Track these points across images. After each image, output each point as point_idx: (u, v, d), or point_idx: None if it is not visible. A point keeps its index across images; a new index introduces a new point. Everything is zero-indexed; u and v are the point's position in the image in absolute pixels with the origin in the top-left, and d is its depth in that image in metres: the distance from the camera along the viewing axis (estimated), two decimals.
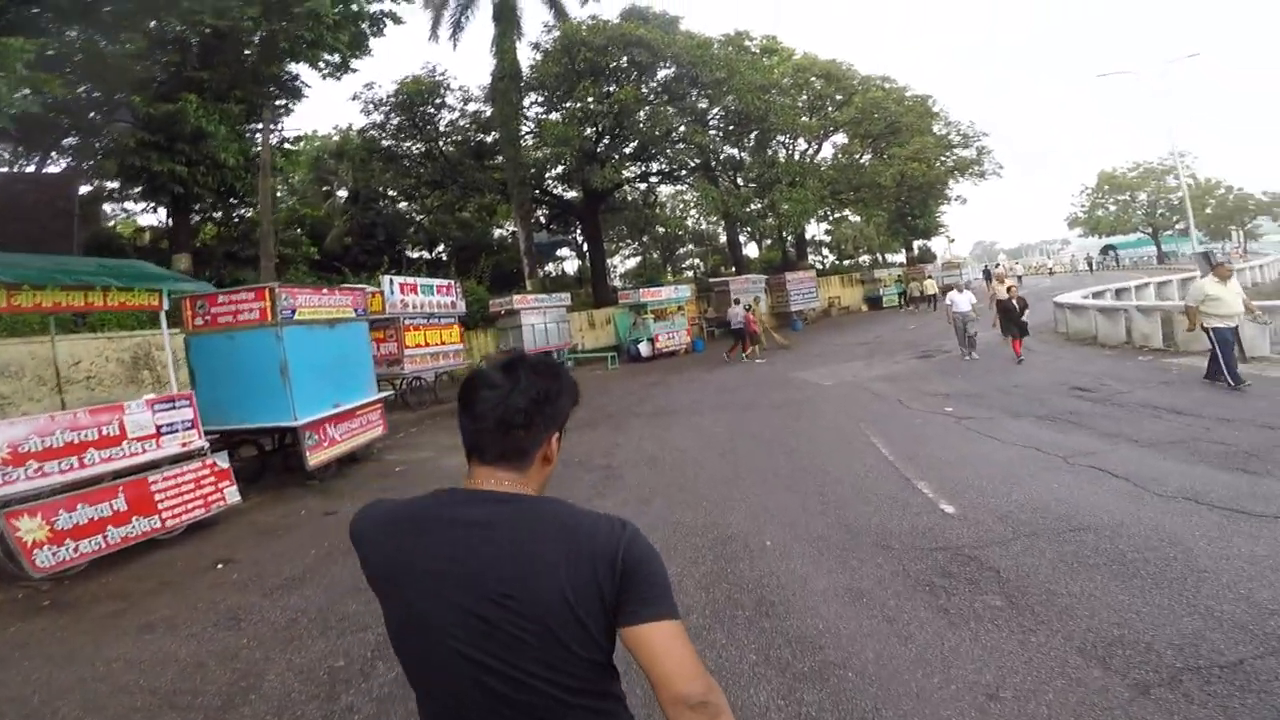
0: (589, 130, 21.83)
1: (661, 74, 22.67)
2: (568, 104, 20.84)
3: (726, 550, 4.83)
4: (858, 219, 46.23)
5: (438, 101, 24.13)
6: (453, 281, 15.61)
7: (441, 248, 34.15)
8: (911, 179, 32.32)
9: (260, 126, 15.07)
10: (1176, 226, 49.93)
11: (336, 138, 26.41)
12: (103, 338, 11.09)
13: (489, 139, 25.72)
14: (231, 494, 7.18)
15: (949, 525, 4.74)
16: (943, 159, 36.39)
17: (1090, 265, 50.99)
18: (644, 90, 21.63)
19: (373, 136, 24.53)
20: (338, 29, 13.64)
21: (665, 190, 33.79)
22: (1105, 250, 56.68)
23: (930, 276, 31.97)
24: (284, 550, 5.93)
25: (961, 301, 13.18)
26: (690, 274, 41.13)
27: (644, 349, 20.18)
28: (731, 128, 24.83)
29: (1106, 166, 54.78)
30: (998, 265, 50.30)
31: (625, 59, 21.43)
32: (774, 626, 3.65)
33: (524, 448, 1.15)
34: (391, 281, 13.40)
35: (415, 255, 32.77)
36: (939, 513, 5.02)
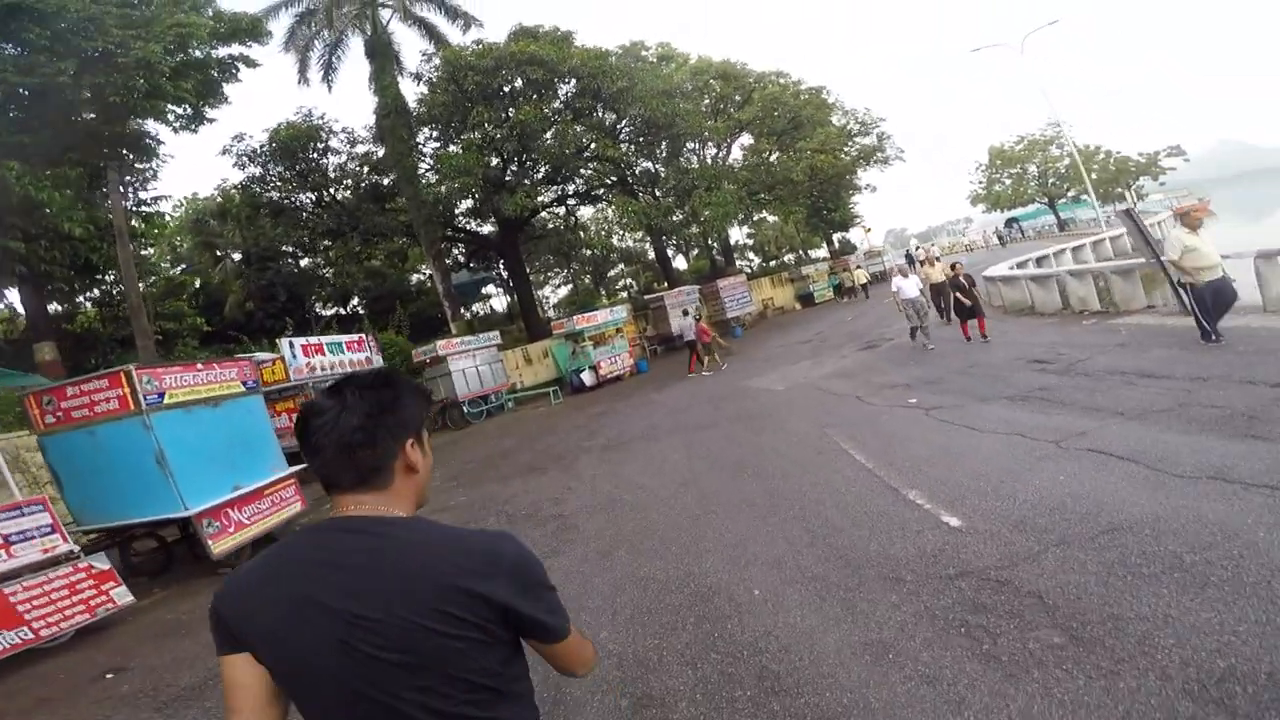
0: (492, 158, 20.93)
1: (562, 91, 22.11)
2: (464, 135, 19.87)
3: (709, 608, 4.04)
4: (775, 219, 47.26)
5: (320, 146, 22.75)
6: (364, 335, 14.29)
7: (356, 301, 32.39)
8: (822, 171, 32.95)
9: (127, 192, 13.45)
10: (1069, 194, 53.18)
11: (218, 198, 24.48)
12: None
13: (385, 181, 24.51)
14: (120, 594, 6.42)
15: (961, 542, 4.06)
16: (846, 149, 37.41)
17: (1001, 239, 53.52)
18: (545, 110, 20.91)
19: (254, 191, 22.81)
20: (178, 76, 12.26)
21: (586, 212, 33.22)
22: (1009, 223, 59.53)
23: (859, 266, 32.48)
24: (184, 653, 5.25)
25: (909, 287, 12.51)
26: (625, 294, 40.64)
27: (587, 378, 19.25)
28: (641, 138, 24.51)
29: (995, 142, 57.84)
30: (918, 249, 52.26)
31: (520, 80, 20.76)
32: (786, 708, 2.89)
33: (375, 466, 1.09)
34: (292, 344, 12.03)
35: (328, 312, 30.92)
36: (944, 528, 4.34)
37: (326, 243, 26.34)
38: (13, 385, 6.65)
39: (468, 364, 17.71)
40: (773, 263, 46.11)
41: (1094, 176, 51.80)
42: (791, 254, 49.17)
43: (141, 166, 14.52)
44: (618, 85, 21.37)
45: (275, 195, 23.67)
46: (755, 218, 41.07)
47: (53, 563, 5.88)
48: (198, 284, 28.04)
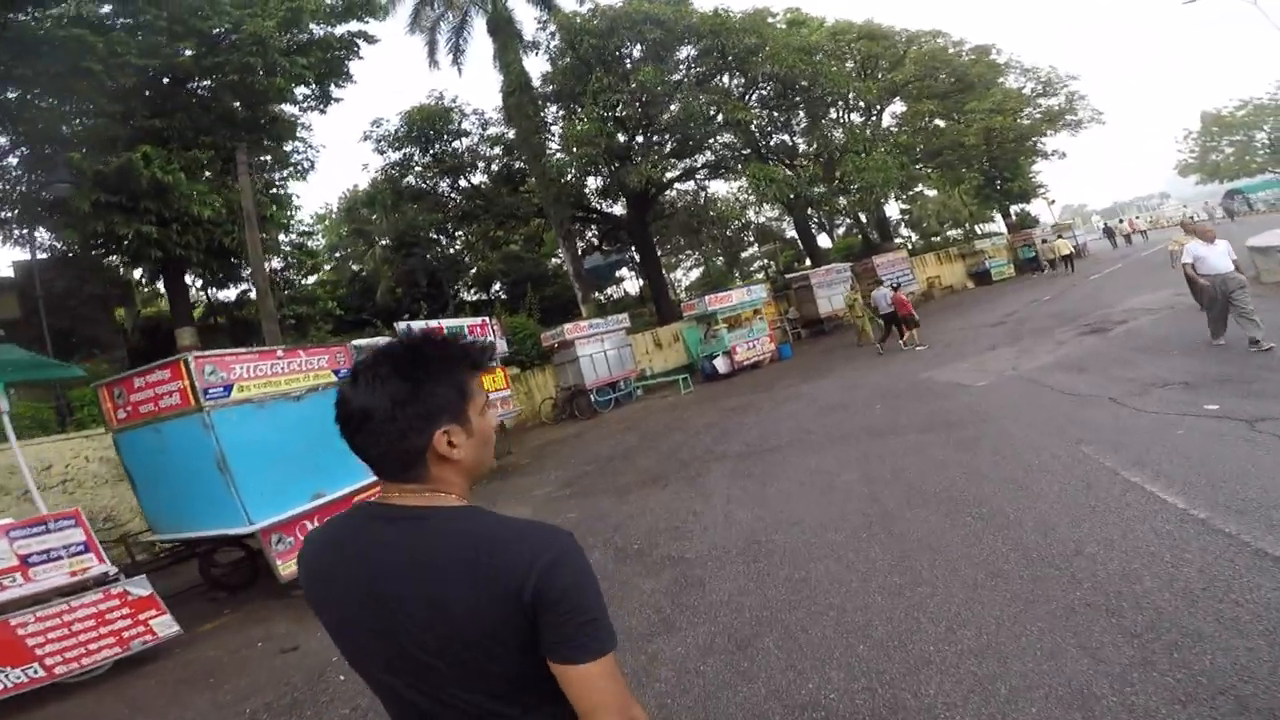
0: (615, 130, 19.25)
1: (683, 54, 19.90)
2: (585, 105, 18.39)
3: None
4: (933, 193, 41.62)
5: (452, 129, 22.47)
6: (486, 319, 13.29)
7: (497, 286, 32.77)
8: (1000, 134, 28.01)
9: (257, 174, 13.49)
10: None
11: (368, 185, 25.33)
12: (78, 437, 9.47)
13: (516, 164, 23.90)
14: (163, 625, 5.35)
15: None
16: (1025, 112, 31.74)
17: (1230, 213, 43.19)
18: (666, 77, 18.77)
19: (395, 175, 23.11)
20: (294, 53, 11.85)
21: (717, 188, 30.71)
22: (1230, 195, 48.50)
23: (1060, 237, 27.15)
24: (206, 710, 4.27)
25: (1215, 255, 7.93)
26: (761, 276, 37.75)
27: (721, 365, 17.13)
28: (777, 102, 21.59)
29: (1209, 107, 47.22)
30: (1120, 220, 43.82)
31: (638, 47, 18.89)
32: None
33: (403, 457, 1.01)
34: (409, 329, 11.19)
35: (471, 297, 31.48)
36: None
37: (458, 226, 26.56)
38: (51, 378, 6.07)
39: (595, 349, 16.33)
40: (933, 238, 40.66)
41: None
42: (957, 229, 43.18)
43: (285, 150, 14.79)
44: (745, 42, 18.78)
45: (414, 181, 23.88)
46: (909, 192, 36.30)
47: (81, 587, 4.97)
48: (356, 269, 29.70)
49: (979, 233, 38.89)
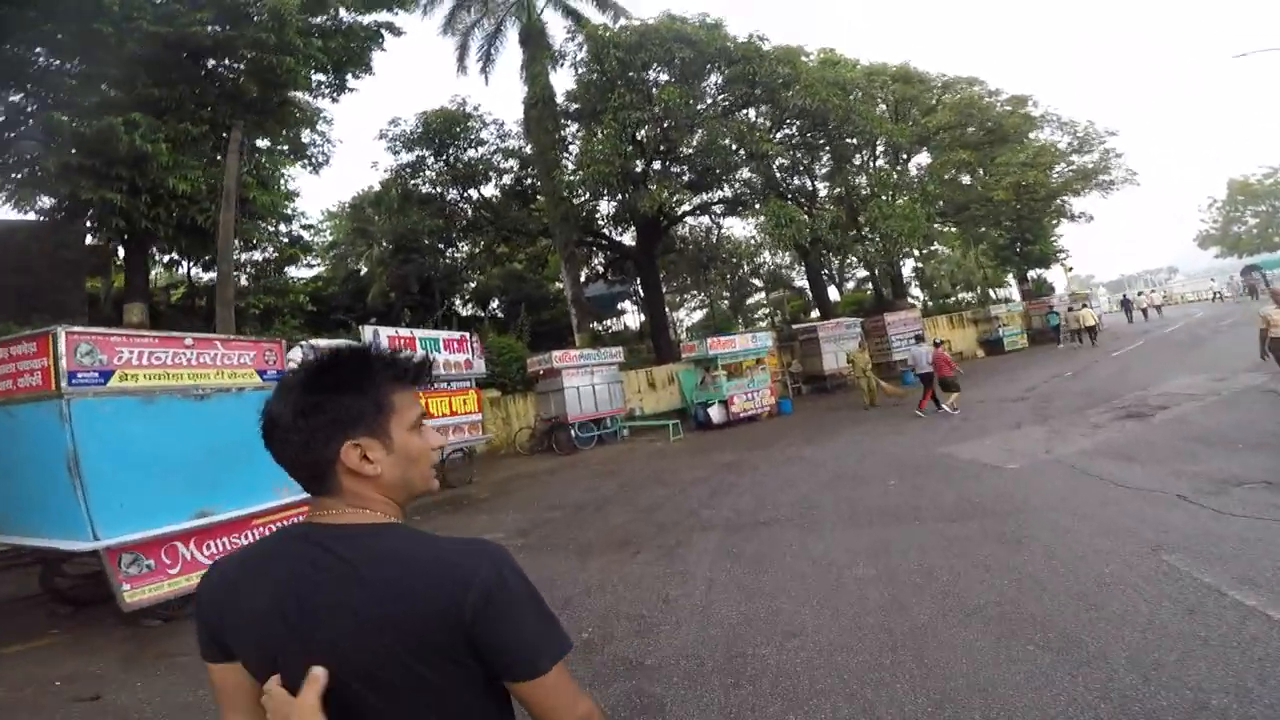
0: (631, 151, 18.42)
1: (712, 79, 19.22)
2: (604, 119, 17.63)
3: None
4: (946, 250, 40.88)
5: (470, 136, 21.77)
6: (466, 335, 12.14)
7: (495, 304, 31.81)
8: (1031, 191, 27.19)
9: (251, 156, 12.57)
10: None
11: (377, 185, 24.57)
12: None
13: (529, 179, 23.17)
14: None
15: None
16: (1057, 169, 30.87)
17: (1253, 290, 41.94)
18: (692, 101, 18.01)
19: (404, 176, 22.31)
20: (322, 36, 11.11)
21: (732, 225, 29.79)
22: (1247, 270, 47.49)
23: (1085, 306, 26.27)
24: None
25: None
26: (765, 324, 36.79)
27: (715, 414, 15.90)
28: (804, 137, 20.81)
29: (1236, 175, 46.10)
30: (1139, 294, 42.96)
31: (665, 68, 18.24)
32: None
33: (308, 470, 0.97)
34: (376, 334, 10.04)
35: (467, 312, 30.49)
36: None
37: (466, 239, 25.76)
38: None
39: (583, 381, 15.15)
40: (944, 300, 39.82)
41: None
42: (968, 291, 42.31)
43: (299, 139, 13.90)
44: (778, 71, 18.12)
45: (423, 185, 23.18)
46: (929, 247, 35.51)
47: None
48: (352, 269, 28.72)
49: (993, 297, 38.04)
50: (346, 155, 54.81)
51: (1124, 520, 5.23)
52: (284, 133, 14.80)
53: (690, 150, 20.00)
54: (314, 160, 22.33)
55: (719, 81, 19.26)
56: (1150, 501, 5.68)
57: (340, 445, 0.95)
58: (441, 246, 26.40)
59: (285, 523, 6.10)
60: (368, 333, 10.01)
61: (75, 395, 4.66)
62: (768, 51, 18.63)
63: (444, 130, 20.89)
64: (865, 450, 10.21)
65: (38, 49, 10.99)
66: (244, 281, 16.68)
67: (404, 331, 10.72)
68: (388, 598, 0.88)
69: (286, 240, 20.44)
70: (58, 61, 10.66)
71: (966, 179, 27.54)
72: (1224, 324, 23.55)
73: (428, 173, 22.86)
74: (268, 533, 5.96)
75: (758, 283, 40.49)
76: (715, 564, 5.45)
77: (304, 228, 24.98)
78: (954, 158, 25.00)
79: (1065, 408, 11.66)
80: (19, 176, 11.88)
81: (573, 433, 14.67)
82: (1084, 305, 26.53)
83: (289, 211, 22.81)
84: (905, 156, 27.10)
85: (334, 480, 0.97)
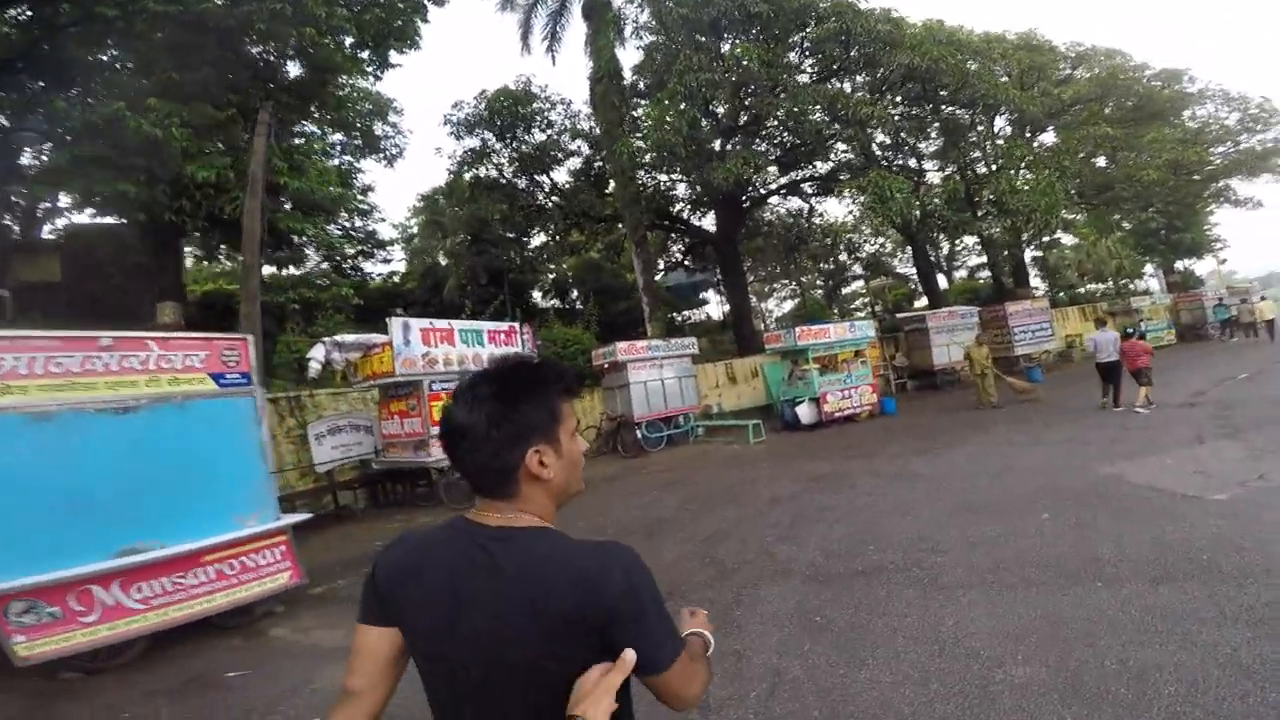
0: (703, 119, 16.45)
1: (796, 42, 16.87)
2: (669, 87, 15.78)
3: None
4: (1071, 240, 35.96)
5: (537, 118, 20.72)
6: (515, 326, 10.99)
7: (575, 295, 31.06)
8: (1188, 170, 22.98)
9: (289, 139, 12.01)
10: None
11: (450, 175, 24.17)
12: None
13: (599, 161, 21.87)
14: None
15: None
16: (1222, 148, 26.06)
17: None
18: (772, 64, 15.58)
19: (469, 161, 21.50)
20: (355, 7, 10.30)
21: (827, 208, 27.02)
22: None
23: (1264, 298, 22.00)
24: None
25: None
26: (864, 315, 33.78)
27: (805, 413, 13.91)
28: (908, 106, 18.05)
29: None
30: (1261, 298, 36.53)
31: (739, 33, 16.17)
32: None
33: (498, 478, 1.07)
34: (407, 326, 9.05)
35: (547, 303, 29.93)
36: None
37: (537, 226, 25.00)
38: None
39: (651, 375, 13.64)
40: (1070, 290, 35.00)
41: None
42: (1099, 282, 37.06)
43: (357, 123, 13.36)
44: (878, 29, 15.66)
45: (491, 172, 22.38)
46: (1058, 232, 31.40)
47: None
48: (429, 262, 28.84)
49: (1132, 288, 33.07)
50: (422, 148, 55.77)
51: None
52: (323, 114, 14.20)
53: (775, 123, 17.91)
54: (387, 153, 22.36)
55: (806, 45, 17.02)
56: None
57: (525, 452, 1.05)
58: (514, 236, 25.81)
59: (256, 564, 5.20)
60: (395, 324, 9.00)
61: None
62: (864, 10, 16.25)
63: (508, 111, 19.92)
64: (998, 466, 8.06)
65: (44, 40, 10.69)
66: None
67: (440, 323, 9.66)
68: (533, 598, 0.98)
69: (359, 235, 20.44)
70: (72, 53, 10.33)
71: (1102, 160, 23.53)
72: None
73: (495, 158, 22.06)
74: (219, 571, 5.12)
75: (857, 270, 37.31)
76: (787, 641, 3.82)
77: (376, 221, 25.23)
78: (1094, 132, 21.21)
79: (1258, 419, 8.96)
80: (33, 172, 11.80)
81: (640, 433, 13.24)
82: (1262, 297, 22.06)
83: (363, 205, 23.00)
84: (1031, 132, 23.43)
85: (514, 484, 1.06)
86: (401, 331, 8.95)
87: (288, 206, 13.81)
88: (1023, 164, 17.75)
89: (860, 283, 39.04)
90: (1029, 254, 36.14)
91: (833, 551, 5.47)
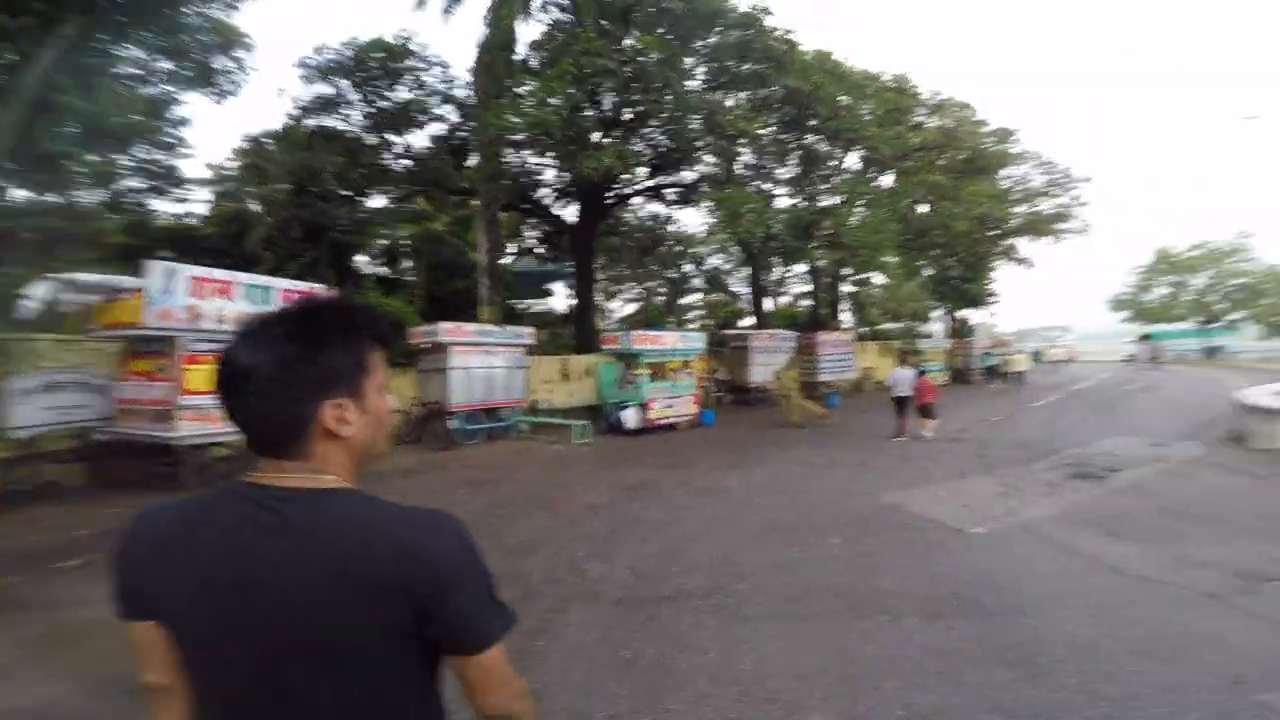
0: (586, 103, 15.98)
1: (699, 46, 17.06)
2: (560, 63, 15.13)
3: None
4: (881, 279, 40.88)
5: (406, 75, 18.94)
6: (318, 288, 9.54)
7: (411, 266, 28.63)
8: (996, 224, 26.50)
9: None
10: (1228, 319, 44.45)
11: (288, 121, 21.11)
12: None
13: (469, 135, 20.46)
14: None
15: None
16: (1023, 207, 30.59)
17: (1156, 356, 43.95)
18: (672, 64, 15.61)
19: (315, 109, 19.27)
20: None
21: (683, 220, 27.74)
22: (1142, 339, 50.47)
23: (1019, 351, 26.37)
24: None
25: None
26: (695, 326, 35.33)
27: (630, 418, 13.95)
28: (780, 131, 19.00)
29: (1165, 244, 48.96)
30: (1058, 345, 44.63)
31: (651, 23, 16.01)
32: None
33: (284, 427, 0.90)
34: (172, 272, 7.40)
35: (372, 270, 27.26)
36: None
37: (378, 190, 22.80)
38: None
39: (477, 362, 12.77)
40: (873, 327, 39.75)
41: (1265, 301, 42.85)
42: (895, 321, 42.50)
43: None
44: (774, 46, 16.28)
45: (339, 123, 20.15)
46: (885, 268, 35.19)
47: None
48: (236, 208, 24.80)
49: (920, 331, 38.07)
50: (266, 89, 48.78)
51: (1164, 632, 3.76)
52: (155, 38, 11.63)
53: (657, 124, 17.87)
54: (220, 89, 18.90)
55: (705, 51, 17.19)
56: (1177, 602, 4.33)
57: (321, 403, 0.91)
58: (349, 193, 23.21)
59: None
60: (156, 268, 7.30)
61: None
62: (768, 26, 16.79)
63: (377, 64, 18.12)
64: (798, 487, 8.55)
65: None
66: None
67: (218, 273, 8.03)
68: (341, 565, 0.85)
69: (158, 169, 17.20)
70: None
71: (924, 207, 26.68)
72: (1130, 387, 24.02)
73: (346, 109, 19.87)
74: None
75: (698, 282, 38.96)
76: (592, 679, 3.48)
77: (182, 157, 21.25)
78: (928, 179, 23.89)
79: (1008, 458, 10.57)
80: None
81: (454, 424, 12.29)
82: (1018, 351, 26.57)
83: (169, 139, 19.22)
84: (875, 172, 26.01)
85: (306, 441, 0.92)
86: (164, 277, 7.27)
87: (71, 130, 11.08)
88: (861, 201, 19.42)
89: (699, 295, 40.87)
90: (845, 289, 40.41)
91: (643, 572, 5.26)
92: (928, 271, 32.71)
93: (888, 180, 24.86)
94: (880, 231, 17.43)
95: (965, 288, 32.31)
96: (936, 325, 40.82)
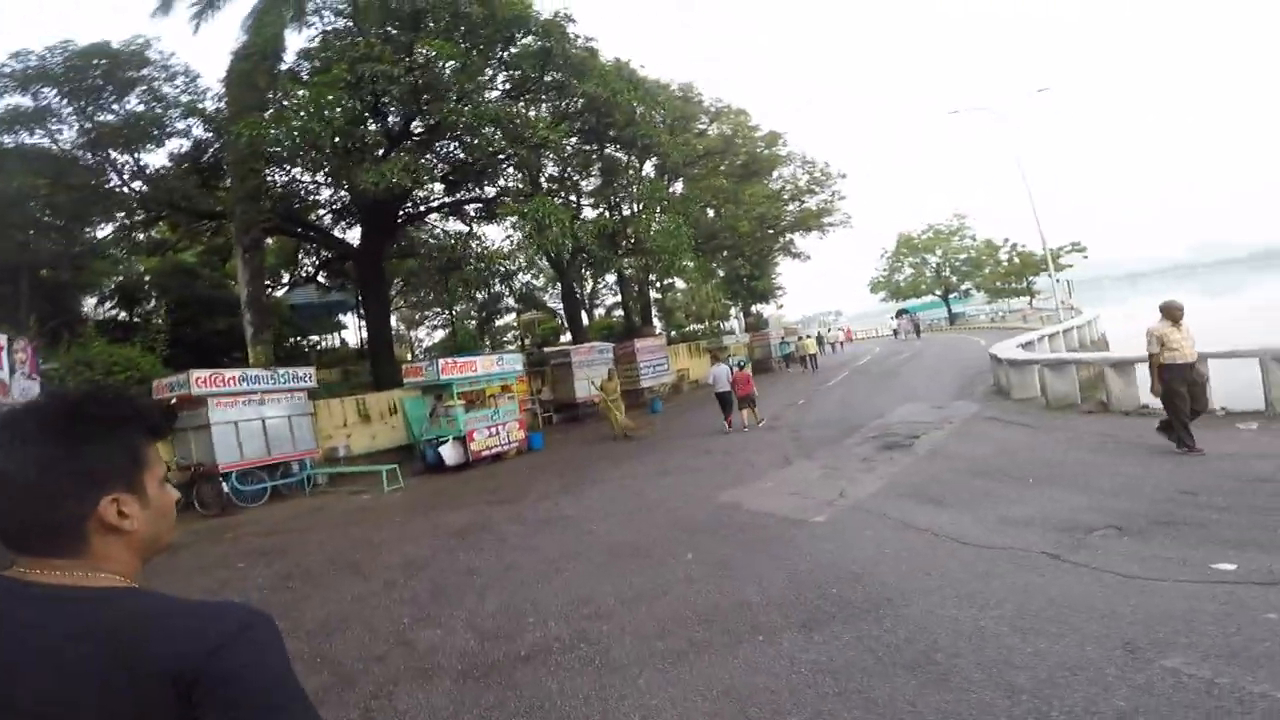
0: (364, 112, 14.24)
1: (499, 57, 16.27)
2: (334, 69, 13.25)
3: None
4: (682, 284, 43.32)
5: (138, 85, 15.72)
6: (7, 339, 7.04)
7: (155, 305, 23.58)
8: (772, 223, 28.96)
9: None
10: (962, 288, 54.33)
11: None
12: None
13: (221, 153, 17.35)
14: None
15: None
16: (792, 206, 33.89)
17: (917, 329, 51.20)
18: (466, 69, 14.66)
19: (9, 123, 15.07)
20: None
21: (490, 236, 26.28)
22: (900, 314, 59.21)
23: (808, 336, 28.97)
24: None
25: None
26: (514, 347, 34.07)
27: (450, 454, 12.52)
28: (582, 141, 18.84)
29: (905, 229, 58.30)
30: (829, 329, 49.98)
31: (445, 30, 14.83)
32: None
33: (54, 529, 0.80)
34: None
35: (104, 315, 22.04)
36: None
37: (104, 218, 18.50)
38: None
39: (247, 414, 10.55)
40: (680, 330, 41.80)
41: (988, 271, 53.06)
42: (699, 323, 45.19)
43: None
44: (574, 54, 16.00)
45: (44, 141, 16.09)
46: (685, 272, 36.88)
47: None
48: None
49: (722, 329, 40.77)
50: None
51: (1034, 604, 3.78)
52: None
53: (452, 137, 16.58)
54: None
55: (505, 59, 16.29)
56: (1025, 567, 4.48)
57: (97, 502, 0.82)
58: (62, 223, 18.48)
59: None
60: None
61: None
62: (570, 34, 16.33)
63: (100, 72, 14.72)
64: (635, 503, 8.08)
65: None
66: None
67: None
68: (105, 658, 0.73)
69: None
70: None
71: (711, 211, 28.42)
72: (901, 357, 27.77)
73: (54, 124, 16.07)
74: None
75: (511, 302, 37.62)
76: None
77: None
78: (713, 183, 25.40)
79: (821, 438, 11.22)
80: None
81: (228, 485, 9.98)
82: (806, 336, 29.35)
83: None
84: (668, 178, 27.06)
85: (79, 540, 0.81)
86: None
87: None
88: (658, 208, 19.90)
89: (513, 315, 39.57)
90: (652, 295, 41.82)
91: (487, 632, 4.34)
92: (721, 272, 34.95)
93: (679, 187, 26.15)
94: (676, 236, 18.02)
95: (754, 285, 35.16)
96: (734, 322, 44.16)
